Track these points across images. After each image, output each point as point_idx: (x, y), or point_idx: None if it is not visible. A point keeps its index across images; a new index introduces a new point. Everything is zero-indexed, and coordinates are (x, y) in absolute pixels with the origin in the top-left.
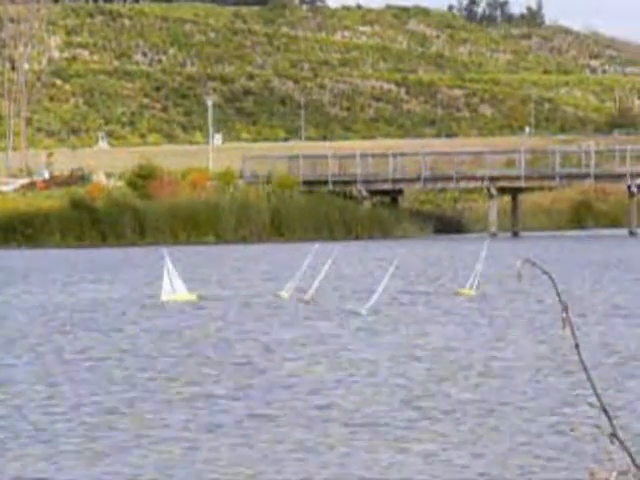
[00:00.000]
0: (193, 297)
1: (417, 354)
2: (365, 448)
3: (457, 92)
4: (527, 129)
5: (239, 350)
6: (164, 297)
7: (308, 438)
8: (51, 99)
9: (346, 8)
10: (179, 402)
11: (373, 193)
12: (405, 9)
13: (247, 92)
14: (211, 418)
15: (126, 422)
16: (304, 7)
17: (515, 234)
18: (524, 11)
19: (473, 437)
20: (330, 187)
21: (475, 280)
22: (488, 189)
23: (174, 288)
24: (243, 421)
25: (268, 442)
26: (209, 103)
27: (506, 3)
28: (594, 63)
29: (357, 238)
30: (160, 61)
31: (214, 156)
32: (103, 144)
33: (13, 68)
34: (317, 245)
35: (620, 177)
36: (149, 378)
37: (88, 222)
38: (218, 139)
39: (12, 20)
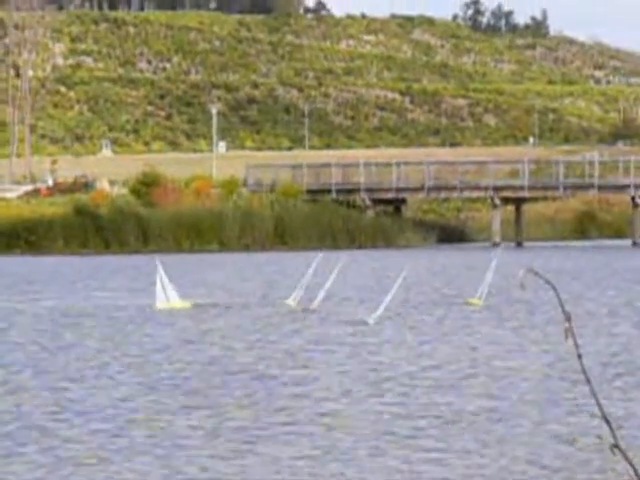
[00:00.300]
0: (187, 305)
1: (423, 363)
2: (370, 456)
3: (461, 102)
4: (531, 139)
5: (245, 358)
6: (159, 305)
7: (313, 446)
8: (55, 106)
9: (351, 17)
10: (184, 409)
11: (376, 202)
12: (410, 18)
13: (251, 100)
14: (216, 425)
15: (132, 429)
16: (309, 16)
17: (519, 244)
18: (529, 21)
19: (478, 446)
20: (334, 196)
21: (484, 290)
22: (492, 199)
23: (167, 296)
24: (248, 429)
25: (273, 450)
26: (213, 111)
27: (511, 13)
28: (598, 74)
29: (360, 247)
30: (164, 69)
31: (218, 164)
32: (107, 151)
33: (18, 75)
34: (321, 254)
35: (624, 188)
36: (154, 385)
37: (92, 229)
38: (222, 147)
39: (17, 27)
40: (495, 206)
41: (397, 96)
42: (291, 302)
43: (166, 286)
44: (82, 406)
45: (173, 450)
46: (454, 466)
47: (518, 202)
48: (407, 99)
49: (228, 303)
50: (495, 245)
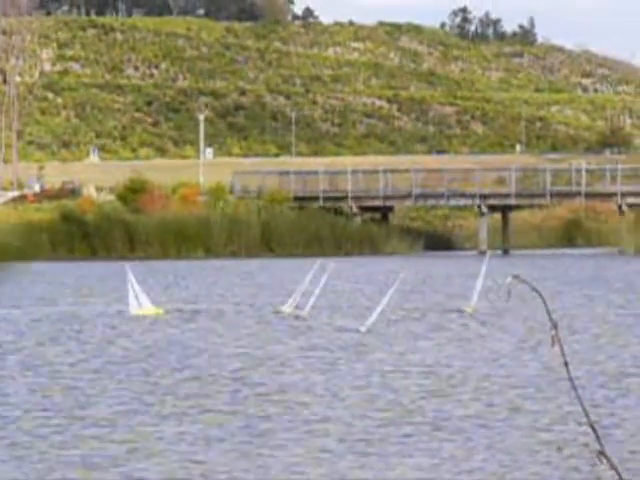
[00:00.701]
0: (160, 311)
1: (413, 370)
2: (359, 462)
3: (449, 109)
4: (518, 147)
5: (234, 364)
6: (132, 311)
7: (302, 452)
8: (42, 112)
9: (338, 24)
10: (174, 415)
11: (364, 209)
12: (397, 26)
13: (239, 107)
14: (206, 431)
15: (123, 434)
16: (296, 23)
17: (505, 252)
18: (516, 29)
19: (466, 453)
20: (321, 203)
21: (475, 297)
22: (479, 206)
23: (140, 303)
24: (237, 435)
25: (262, 456)
26: (200, 118)
27: (499, 21)
28: (586, 82)
29: (347, 254)
30: (152, 75)
31: (205, 171)
32: (94, 158)
33: (5, 81)
34: (319, 261)
35: (611, 196)
36: (143, 391)
37: (78, 235)
38: (209, 154)
39: (4, 32)
40: (482, 214)
41: (384, 103)
42: (287, 309)
43: (138, 292)
44: (72, 412)
45: (164, 455)
46: (443, 472)
47: (505, 210)
48: (394, 106)
49: (226, 310)
50: (481, 253)
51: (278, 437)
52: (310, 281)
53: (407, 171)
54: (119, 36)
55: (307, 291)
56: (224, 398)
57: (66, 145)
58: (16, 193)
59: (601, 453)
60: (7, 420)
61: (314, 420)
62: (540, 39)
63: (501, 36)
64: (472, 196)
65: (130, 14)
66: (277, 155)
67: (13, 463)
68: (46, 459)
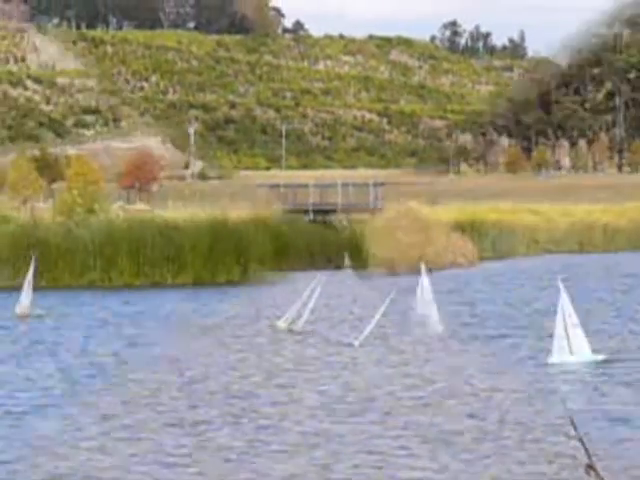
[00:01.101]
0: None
1: (406, 383)
2: (355, 475)
3: (438, 123)
4: None
5: (231, 378)
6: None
7: (299, 463)
8: None
9: (329, 37)
10: (172, 428)
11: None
12: (388, 39)
13: (229, 120)
14: (203, 443)
15: (117, 446)
16: (287, 36)
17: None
18: (507, 43)
19: (460, 465)
20: (311, 216)
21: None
22: None
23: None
24: (234, 448)
25: (259, 467)
26: (191, 131)
27: (489, 35)
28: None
29: (337, 267)
30: (142, 88)
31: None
32: None
33: None
34: (318, 275)
35: None
36: (138, 403)
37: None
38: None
39: None
40: None
41: (374, 117)
42: (282, 324)
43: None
44: (67, 424)
45: (159, 467)
46: None
47: None
48: (384, 120)
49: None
50: None
51: (271, 449)
52: (308, 295)
53: (397, 184)
54: (109, 49)
55: (301, 305)
56: (217, 410)
57: None
58: None
59: (590, 466)
60: (12, 430)
61: (308, 432)
62: (530, 53)
63: (491, 49)
64: None
65: (121, 27)
66: (268, 168)
67: (9, 476)
68: (43, 471)
